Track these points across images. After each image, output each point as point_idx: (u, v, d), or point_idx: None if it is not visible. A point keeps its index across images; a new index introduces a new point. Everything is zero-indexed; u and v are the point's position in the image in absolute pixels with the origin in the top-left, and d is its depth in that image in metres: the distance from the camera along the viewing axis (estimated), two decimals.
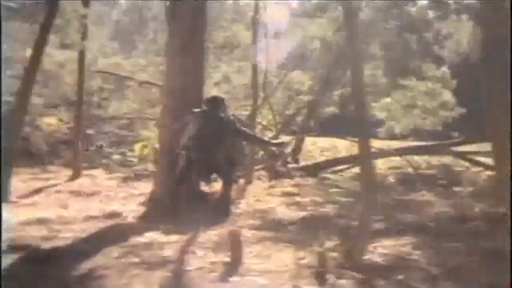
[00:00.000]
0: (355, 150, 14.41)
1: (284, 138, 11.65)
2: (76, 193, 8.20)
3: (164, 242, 4.81)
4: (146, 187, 8.77)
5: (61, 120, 12.65)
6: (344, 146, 15.47)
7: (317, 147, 15.38)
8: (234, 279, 3.62)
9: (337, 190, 8.41)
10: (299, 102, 12.88)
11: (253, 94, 9.40)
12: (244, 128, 6.68)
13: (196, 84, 7.34)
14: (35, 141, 12.36)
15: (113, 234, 5.19)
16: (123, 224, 5.87)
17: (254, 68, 9.38)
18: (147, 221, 6.11)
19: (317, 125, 13.61)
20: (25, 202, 7.45)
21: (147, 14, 25.33)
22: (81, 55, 9.66)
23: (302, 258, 4.14)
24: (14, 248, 4.31)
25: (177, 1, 7.26)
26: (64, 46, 11.83)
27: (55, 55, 12.95)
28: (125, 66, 13.11)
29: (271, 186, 8.96)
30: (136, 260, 4.13)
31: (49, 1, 7.45)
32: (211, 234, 5.26)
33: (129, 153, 11.64)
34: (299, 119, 13.23)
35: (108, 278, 3.70)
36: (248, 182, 9.20)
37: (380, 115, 13.86)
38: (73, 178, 9.55)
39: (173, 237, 5.10)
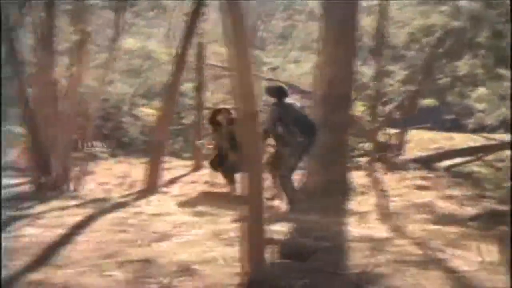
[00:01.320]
0: (444, 141, 14.38)
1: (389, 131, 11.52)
2: (211, 184, 8.13)
3: (390, 238, 4.69)
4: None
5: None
6: (430, 138, 15.18)
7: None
8: None
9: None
10: (394, 93, 12.59)
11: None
12: None
13: (347, 76, 7.23)
14: (133, 131, 12.42)
15: (322, 228, 5.07)
16: (314, 217, 5.72)
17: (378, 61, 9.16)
18: (318, 214, 5.98)
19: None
20: (175, 193, 7.44)
21: None
22: (200, 46, 9.62)
23: None
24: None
25: None
26: None
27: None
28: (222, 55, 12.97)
29: (401, 178, 8.78)
30: (394, 257, 4.01)
31: None
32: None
33: None
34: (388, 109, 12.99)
35: (390, 277, 3.57)
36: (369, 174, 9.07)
37: (478, 105, 13.52)
38: (195, 168, 9.50)
39: (382, 233, 5.00)
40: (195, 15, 7.34)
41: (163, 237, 4.62)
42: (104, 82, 11.17)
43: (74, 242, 4.46)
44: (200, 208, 6.11)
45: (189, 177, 8.91)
